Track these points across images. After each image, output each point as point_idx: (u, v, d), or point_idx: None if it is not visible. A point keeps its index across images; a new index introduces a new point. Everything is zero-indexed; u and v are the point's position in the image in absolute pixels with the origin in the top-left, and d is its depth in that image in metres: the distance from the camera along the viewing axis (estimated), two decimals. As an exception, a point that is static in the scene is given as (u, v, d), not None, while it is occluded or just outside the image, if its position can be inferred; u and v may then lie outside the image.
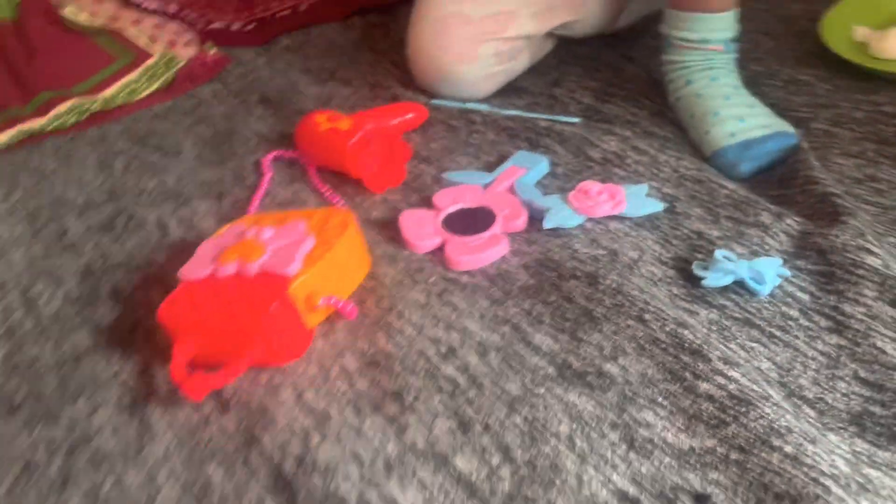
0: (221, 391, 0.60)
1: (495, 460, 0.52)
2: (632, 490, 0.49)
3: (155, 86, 1.02)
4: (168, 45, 1.05)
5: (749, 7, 0.93)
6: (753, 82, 0.85)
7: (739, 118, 0.78)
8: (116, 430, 0.59)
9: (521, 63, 0.94)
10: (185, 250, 0.74)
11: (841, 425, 0.53)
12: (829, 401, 0.55)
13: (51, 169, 0.92)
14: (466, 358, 0.60)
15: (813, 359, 0.57)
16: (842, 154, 0.76)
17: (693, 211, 0.71)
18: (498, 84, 0.93)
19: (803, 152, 0.76)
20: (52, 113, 0.97)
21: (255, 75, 1.05)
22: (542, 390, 0.56)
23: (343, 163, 0.80)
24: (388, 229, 0.75)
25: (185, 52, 1.05)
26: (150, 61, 1.03)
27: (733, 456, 0.50)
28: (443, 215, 0.74)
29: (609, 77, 0.94)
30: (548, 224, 0.70)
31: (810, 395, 0.55)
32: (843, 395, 0.55)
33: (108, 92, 1.00)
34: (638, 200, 0.72)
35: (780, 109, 0.82)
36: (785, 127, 0.78)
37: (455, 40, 0.90)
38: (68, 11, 1.05)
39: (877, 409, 0.54)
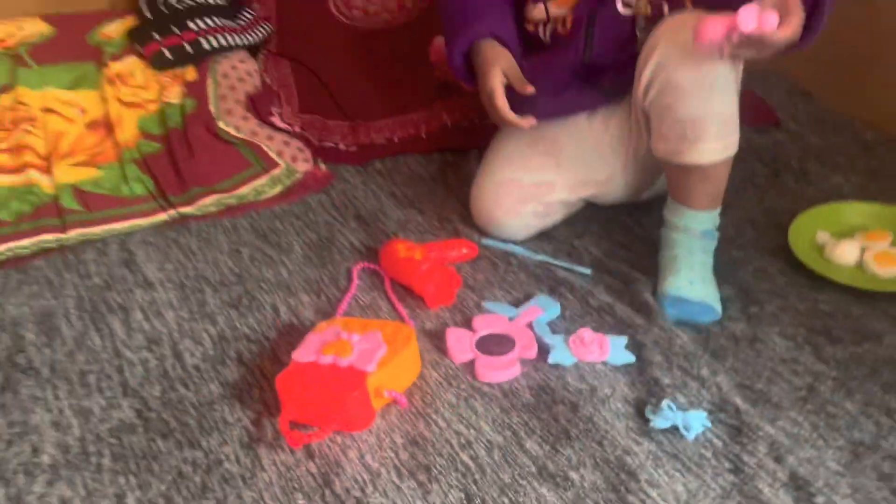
0: (311, 444, 0.88)
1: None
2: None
3: (277, 190, 1.33)
4: (291, 159, 1.36)
5: (741, 197, 1.21)
6: (731, 264, 1.13)
7: (690, 281, 1.05)
8: (238, 458, 0.88)
9: (554, 219, 1.23)
10: (290, 333, 1.04)
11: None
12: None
13: (195, 248, 1.23)
14: (478, 450, 0.87)
15: (713, 489, 0.83)
16: (779, 335, 1.03)
17: (655, 358, 0.98)
18: (535, 232, 1.22)
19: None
20: (200, 203, 1.28)
21: (352, 193, 1.35)
22: (524, 482, 0.83)
23: (412, 284, 1.10)
24: (436, 339, 1.03)
25: (303, 166, 1.37)
26: (276, 171, 1.34)
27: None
28: (477, 336, 1.02)
29: (620, 237, 1.22)
30: (550, 361, 0.98)
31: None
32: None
33: (242, 191, 1.31)
34: (618, 351, 0.99)
35: (745, 290, 1.09)
36: (717, 305, 1.05)
37: (506, 199, 1.20)
38: (221, 124, 1.37)
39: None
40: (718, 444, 0.88)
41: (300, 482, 0.85)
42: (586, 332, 1.01)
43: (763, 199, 1.28)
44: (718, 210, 1.10)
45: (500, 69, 1.13)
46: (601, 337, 1.01)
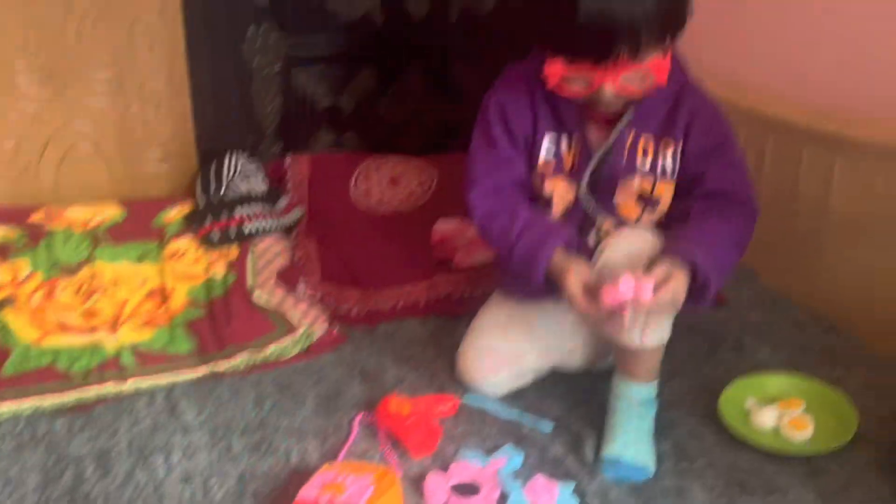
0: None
1: None
2: None
3: (297, 349, 1.59)
4: (310, 323, 1.64)
5: (684, 367, 1.45)
6: (670, 425, 1.35)
7: (626, 444, 1.27)
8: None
9: (525, 380, 1.47)
10: (299, 473, 1.27)
11: None
12: None
13: (226, 398, 1.48)
14: None
15: None
16: (701, 487, 1.23)
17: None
18: (508, 390, 1.46)
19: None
20: (234, 360, 1.55)
21: (360, 352, 1.61)
22: None
23: (400, 436, 1.33)
24: (418, 483, 1.25)
25: (320, 329, 1.64)
26: (297, 333, 1.62)
27: None
28: (451, 482, 1.24)
29: (579, 398, 1.45)
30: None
31: None
32: None
33: (269, 350, 1.58)
34: (565, 497, 1.20)
35: (679, 447, 1.31)
36: (650, 466, 1.26)
37: (485, 363, 1.45)
38: (256, 295, 1.67)
39: None
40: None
41: None
42: (540, 479, 1.23)
43: (701, 370, 1.51)
44: (655, 382, 1.33)
45: (573, 275, 1.26)
46: (552, 484, 1.22)
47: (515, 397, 1.46)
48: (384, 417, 1.38)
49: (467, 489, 1.23)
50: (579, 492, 1.22)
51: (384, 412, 1.38)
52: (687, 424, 1.38)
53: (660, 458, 1.28)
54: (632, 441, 1.28)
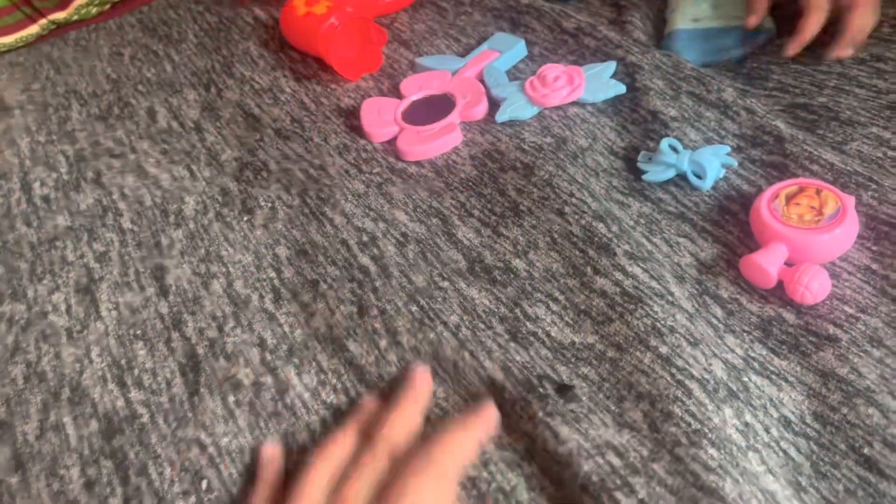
0: (167, 281, 0.63)
1: (384, 343, 0.53)
2: (499, 377, 0.49)
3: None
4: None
5: None
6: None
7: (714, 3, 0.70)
8: (68, 308, 0.64)
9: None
10: (171, 135, 0.77)
11: (746, 328, 0.50)
12: (744, 302, 0.51)
13: (69, 59, 0.96)
14: (385, 248, 0.60)
15: (740, 254, 0.54)
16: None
17: (654, 83, 0.66)
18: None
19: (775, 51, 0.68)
20: (74, 5, 1.00)
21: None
22: (445, 283, 0.56)
23: (318, 48, 0.79)
24: (353, 117, 0.74)
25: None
26: (166, -52, 1.03)
27: (609, 353, 0.49)
28: (405, 104, 0.72)
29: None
30: (500, 118, 0.67)
31: (725, 295, 0.52)
32: (759, 297, 0.51)
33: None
34: (597, 84, 0.67)
35: None
36: (765, 22, 0.70)
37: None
38: None
39: (789, 317, 0.50)
40: (749, 191, 0.57)
41: (144, 327, 0.60)
42: (550, 69, 0.69)
43: None
44: None
45: None
46: (572, 69, 0.69)
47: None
48: (290, 29, 0.84)
49: (431, 110, 0.71)
50: (625, 71, 0.69)
51: (290, 21, 0.83)
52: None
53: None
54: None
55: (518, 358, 0.50)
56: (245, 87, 0.82)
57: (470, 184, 0.63)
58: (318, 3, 0.81)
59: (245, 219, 0.66)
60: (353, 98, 0.77)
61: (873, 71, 0.64)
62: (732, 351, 0.49)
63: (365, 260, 0.59)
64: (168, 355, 0.57)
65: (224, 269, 0.62)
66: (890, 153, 0.58)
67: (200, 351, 0.57)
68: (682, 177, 0.59)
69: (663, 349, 0.47)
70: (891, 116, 0.60)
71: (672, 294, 0.51)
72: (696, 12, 0.72)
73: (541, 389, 0.47)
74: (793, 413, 0.46)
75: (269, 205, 0.67)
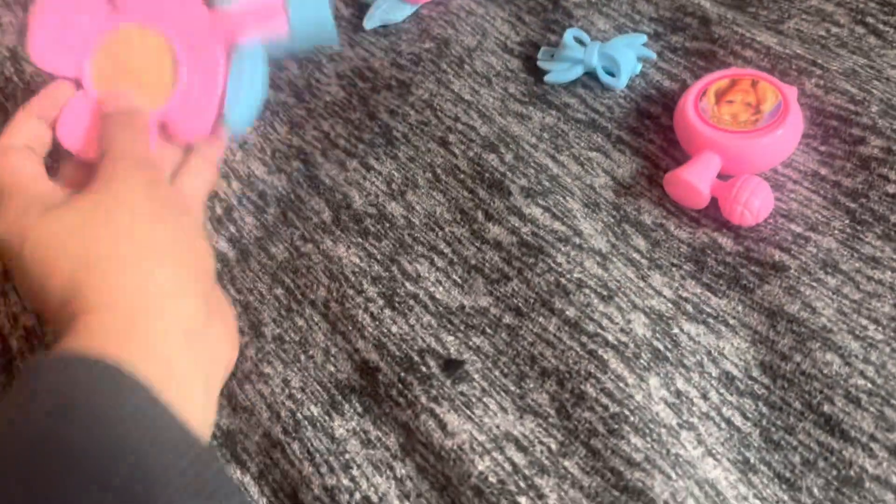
0: None
1: (245, 339, 0.42)
2: (373, 357, 0.39)
3: None
4: None
5: None
6: None
7: None
8: None
9: None
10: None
11: (675, 261, 0.40)
12: (671, 228, 0.42)
13: None
14: (242, 221, 0.47)
15: (667, 167, 0.43)
16: None
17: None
18: None
19: None
20: None
21: None
22: (309, 247, 0.44)
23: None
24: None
25: None
26: None
27: (506, 319, 0.39)
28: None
29: None
30: (368, 24, 0.55)
31: (648, 220, 0.42)
32: (690, 220, 0.42)
33: None
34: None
35: None
36: None
37: None
38: None
39: (726, 242, 0.41)
40: (672, 88, 0.47)
41: None
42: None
43: None
44: None
45: None
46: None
47: None
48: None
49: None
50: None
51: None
52: None
53: None
54: None
55: (395, 329, 0.39)
56: None
57: (335, 109, 0.51)
58: None
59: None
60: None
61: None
62: (659, 294, 0.39)
63: (223, 245, 0.47)
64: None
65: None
66: (834, 30, 0.48)
67: None
68: (591, 75, 0.48)
69: (570, 311, 0.37)
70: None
71: (581, 234, 0.41)
72: None
73: (423, 368, 0.37)
74: (735, 366, 0.37)
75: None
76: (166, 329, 0.31)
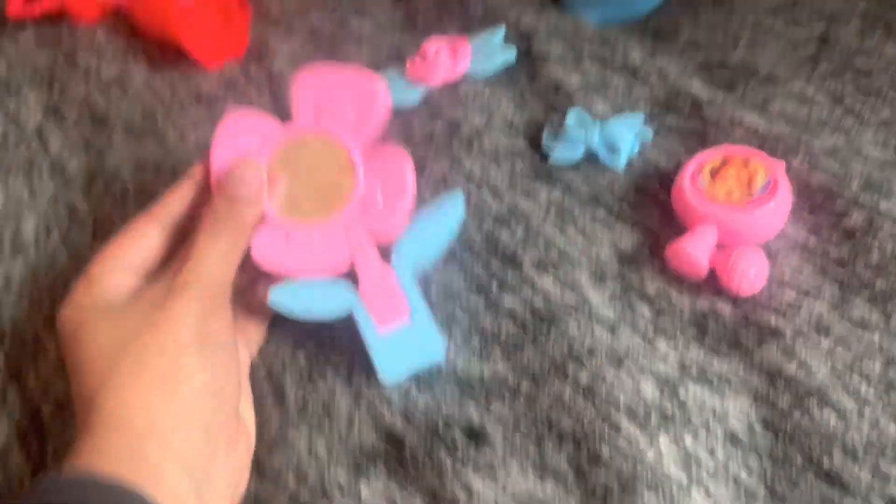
0: None
1: (269, 405, 0.44)
2: (399, 426, 0.41)
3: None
4: None
5: None
6: None
7: None
8: None
9: None
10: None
11: (678, 327, 0.43)
12: (674, 296, 0.45)
13: None
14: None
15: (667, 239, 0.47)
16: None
17: (553, 50, 0.58)
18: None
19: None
20: None
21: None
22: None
23: (170, 27, 0.68)
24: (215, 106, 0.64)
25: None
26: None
27: (524, 386, 0.41)
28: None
29: None
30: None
31: (652, 290, 0.45)
32: (690, 289, 0.45)
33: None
34: (486, 52, 0.59)
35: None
36: None
37: None
38: None
39: (725, 308, 0.44)
40: (668, 167, 0.50)
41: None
42: (432, 43, 0.61)
43: None
44: None
45: None
46: (456, 39, 0.60)
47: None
48: (140, 5, 0.72)
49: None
50: (517, 35, 0.60)
51: None
52: None
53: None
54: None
55: (420, 400, 0.42)
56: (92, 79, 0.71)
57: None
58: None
59: (98, 244, 0.56)
60: (216, 85, 0.67)
61: (789, 19, 0.57)
62: (665, 358, 0.42)
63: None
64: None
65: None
66: (815, 111, 0.52)
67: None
68: (592, 154, 0.52)
69: (583, 377, 0.40)
70: (812, 69, 0.54)
71: (590, 303, 0.44)
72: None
73: (448, 435, 0.40)
74: (740, 424, 0.40)
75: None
76: (173, 459, 0.33)
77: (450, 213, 0.44)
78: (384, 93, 0.45)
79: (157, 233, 0.40)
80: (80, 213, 0.58)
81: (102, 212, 0.58)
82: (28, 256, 0.56)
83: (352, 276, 0.42)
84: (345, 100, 0.44)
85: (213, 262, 0.37)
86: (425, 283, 0.46)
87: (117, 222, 0.56)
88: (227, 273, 0.38)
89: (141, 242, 0.39)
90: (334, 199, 0.42)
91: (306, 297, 0.42)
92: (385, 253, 0.42)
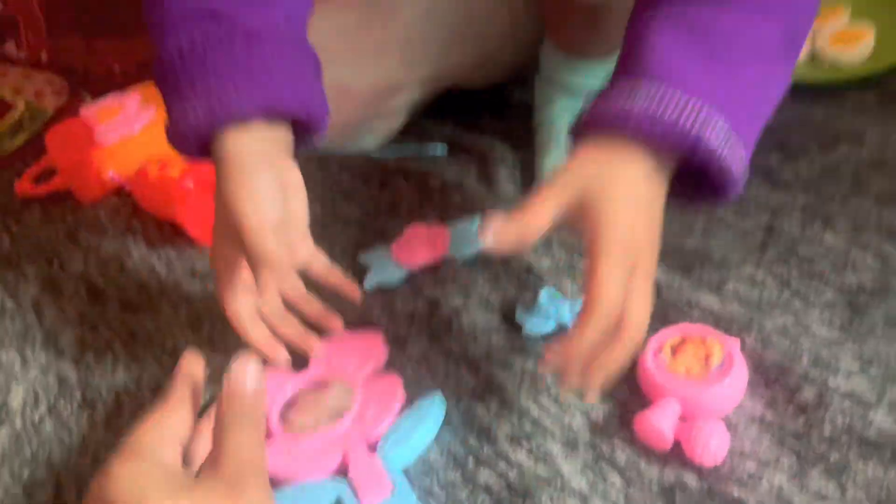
0: None
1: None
2: None
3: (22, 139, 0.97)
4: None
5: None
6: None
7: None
8: None
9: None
10: None
11: (647, 498, 0.45)
12: (642, 466, 0.47)
13: None
14: None
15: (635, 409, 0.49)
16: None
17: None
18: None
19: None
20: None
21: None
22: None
23: (174, 212, 0.74)
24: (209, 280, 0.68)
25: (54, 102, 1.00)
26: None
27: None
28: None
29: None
30: (368, 285, 0.63)
31: (622, 460, 0.47)
32: (658, 459, 0.47)
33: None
34: (463, 239, 0.64)
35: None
36: None
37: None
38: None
39: (691, 480, 0.46)
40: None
41: None
42: (415, 230, 0.66)
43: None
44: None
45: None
46: (434, 228, 0.66)
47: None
48: (142, 190, 0.78)
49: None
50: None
51: (141, 183, 0.78)
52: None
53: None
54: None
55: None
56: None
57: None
58: (171, 166, 0.76)
59: (86, 414, 0.58)
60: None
61: (738, 210, 0.64)
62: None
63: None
64: None
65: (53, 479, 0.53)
66: (765, 293, 0.57)
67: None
68: (563, 328, 0.55)
69: (558, 550, 0.42)
70: (761, 255, 0.59)
71: (562, 476, 0.46)
72: (564, 157, 0.71)
73: None
74: None
75: (113, 398, 0.58)
76: None
77: (430, 417, 0.50)
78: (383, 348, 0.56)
79: (187, 412, 0.40)
80: (69, 382, 0.60)
81: (92, 383, 0.60)
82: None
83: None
84: (353, 355, 0.55)
85: (250, 446, 0.37)
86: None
87: (104, 394, 0.59)
88: (263, 454, 0.38)
89: (179, 425, 0.39)
90: (334, 417, 0.51)
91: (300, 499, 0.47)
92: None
